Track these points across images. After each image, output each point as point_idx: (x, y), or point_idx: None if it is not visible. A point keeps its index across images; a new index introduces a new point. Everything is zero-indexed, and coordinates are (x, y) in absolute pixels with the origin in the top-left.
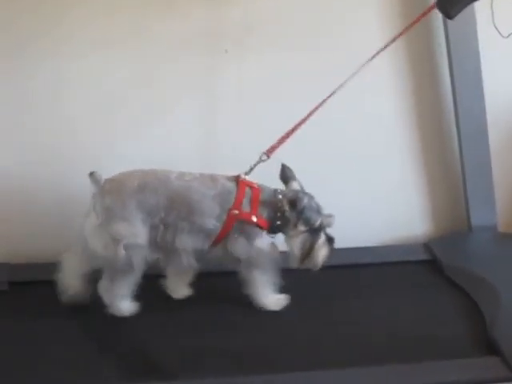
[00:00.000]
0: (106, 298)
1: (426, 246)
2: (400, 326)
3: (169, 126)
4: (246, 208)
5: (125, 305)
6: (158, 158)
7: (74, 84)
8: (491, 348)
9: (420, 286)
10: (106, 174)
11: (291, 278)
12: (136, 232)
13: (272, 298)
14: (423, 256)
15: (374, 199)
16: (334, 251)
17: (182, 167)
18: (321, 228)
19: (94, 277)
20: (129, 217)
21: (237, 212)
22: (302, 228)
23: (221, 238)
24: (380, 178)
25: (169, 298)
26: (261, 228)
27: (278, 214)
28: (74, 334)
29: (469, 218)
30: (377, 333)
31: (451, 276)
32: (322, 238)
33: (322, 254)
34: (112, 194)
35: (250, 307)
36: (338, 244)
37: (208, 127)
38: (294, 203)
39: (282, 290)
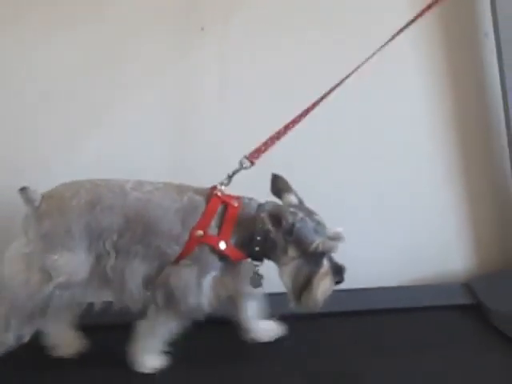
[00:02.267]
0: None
1: (467, 286)
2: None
3: (130, 119)
4: (213, 230)
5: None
6: (107, 165)
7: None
8: None
9: (460, 338)
10: (43, 186)
11: (298, 324)
12: (77, 266)
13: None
14: (463, 299)
15: (401, 225)
16: (340, 285)
17: (148, 173)
18: (321, 253)
19: None
20: (72, 246)
21: (201, 233)
22: (293, 253)
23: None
24: (413, 203)
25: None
26: (229, 259)
27: (258, 238)
28: None
29: None
30: None
31: (498, 324)
32: (324, 267)
33: (322, 288)
34: (52, 215)
35: None
36: (352, 284)
37: (180, 122)
38: (277, 220)
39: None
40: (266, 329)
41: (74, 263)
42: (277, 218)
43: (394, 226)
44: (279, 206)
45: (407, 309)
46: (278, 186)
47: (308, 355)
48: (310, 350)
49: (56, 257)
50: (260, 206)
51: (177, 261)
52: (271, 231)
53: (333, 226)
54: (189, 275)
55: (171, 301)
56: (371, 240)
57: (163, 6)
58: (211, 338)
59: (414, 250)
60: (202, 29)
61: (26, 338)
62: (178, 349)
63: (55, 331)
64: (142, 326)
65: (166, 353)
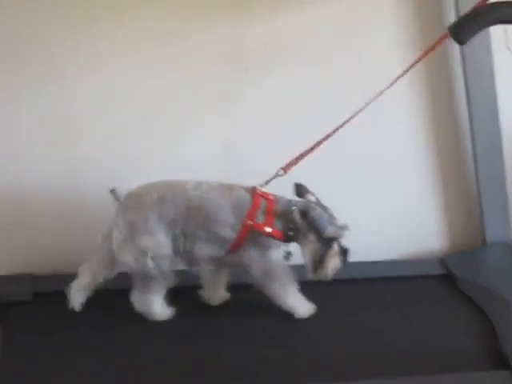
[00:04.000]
0: (141, 306)
1: (442, 261)
2: (413, 339)
3: (191, 142)
4: (260, 219)
5: (160, 309)
6: (180, 172)
7: (100, 100)
8: (502, 362)
9: (434, 300)
10: (127, 187)
11: (307, 291)
12: (160, 243)
13: (301, 306)
14: (438, 271)
15: (392, 215)
16: (347, 263)
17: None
18: (333, 239)
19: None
20: (151, 229)
21: (251, 222)
22: (312, 238)
23: (235, 247)
24: (397, 194)
25: (206, 306)
26: (275, 238)
27: (291, 225)
28: (99, 345)
29: (484, 234)
30: (390, 346)
31: (465, 291)
32: (335, 249)
33: (332, 264)
34: (133, 208)
35: (273, 318)
36: (353, 257)
37: (229, 142)
38: (304, 213)
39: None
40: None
41: (156, 242)
42: (303, 212)
43: (386, 214)
44: (305, 202)
45: (395, 277)
46: (300, 190)
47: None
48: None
49: (142, 238)
50: (290, 201)
51: (236, 245)
52: (298, 221)
53: (340, 219)
54: (254, 255)
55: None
56: (362, 222)
57: (216, 50)
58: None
59: (401, 232)
60: (246, 69)
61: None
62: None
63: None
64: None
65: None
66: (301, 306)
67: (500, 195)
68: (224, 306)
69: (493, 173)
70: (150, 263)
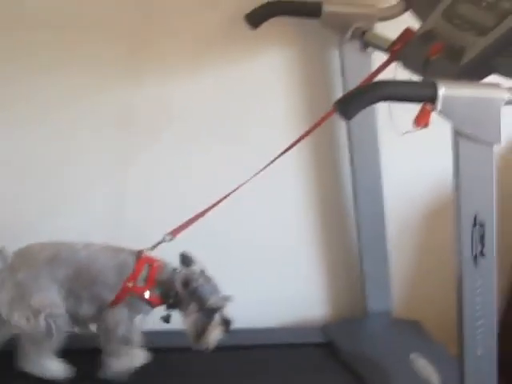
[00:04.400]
0: (33, 366)
1: (323, 329)
2: None
3: (79, 206)
4: (140, 283)
5: (54, 366)
6: (67, 236)
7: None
8: None
9: (314, 369)
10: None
11: (188, 356)
12: (54, 302)
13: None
14: (320, 339)
15: (274, 281)
16: (228, 333)
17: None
18: (215, 309)
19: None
20: (44, 288)
21: (131, 284)
22: (193, 308)
23: (111, 308)
24: (280, 261)
25: None
26: (151, 304)
27: (171, 293)
28: None
29: (365, 303)
30: None
31: (346, 360)
32: (216, 320)
33: (213, 335)
34: (23, 268)
35: None
36: (235, 324)
37: (117, 206)
38: (186, 283)
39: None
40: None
41: (49, 301)
42: (185, 281)
43: (269, 281)
44: (187, 273)
45: (276, 345)
46: (185, 260)
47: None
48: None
49: (34, 297)
50: (175, 269)
51: (112, 304)
52: (179, 290)
53: (224, 289)
54: (121, 315)
55: (108, 336)
56: (244, 289)
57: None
58: None
59: (283, 298)
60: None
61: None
62: None
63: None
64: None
65: None
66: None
67: (382, 267)
68: None
69: (375, 243)
70: (43, 323)
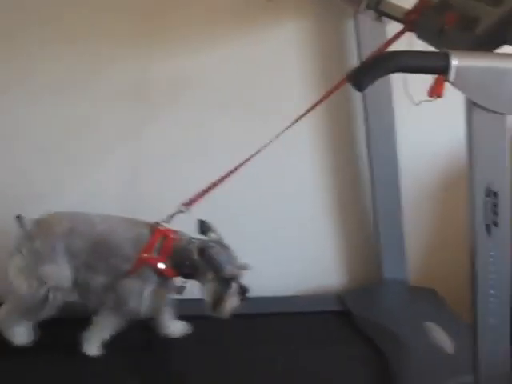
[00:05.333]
0: (7, 330)
1: (340, 297)
2: (307, 374)
3: (97, 177)
4: (155, 254)
5: (23, 332)
6: (81, 203)
7: (3, 131)
8: None
9: (331, 337)
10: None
11: (205, 324)
12: (63, 275)
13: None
14: (336, 307)
15: (291, 251)
16: (245, 301)
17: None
18: (232, 278)
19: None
20: (56, 260)
21: (145, 255)
22: (210, 276)
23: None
24: (296, 230)
25: None
26: (166, 275)
27: (187, 263)
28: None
29: (381, 271)
30: (281, 381)
31: (362, 327)
32: (233, 288)
33: (230, 304)
34: (40, 237)
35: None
36: (252, 293)
37: (132, 178)
38: (202, 251)
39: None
40: (177, 327)
41: (58, 274)
42: (201, 250)
43: (285, 249)
44: (204, 241)
45: (292, 313)
46: (203, 227)
47: (211, 347)
48: (212, 343)
49: (45, 267)
50: (190, 239)
51: (127, 275)
52: (196, 259)
53: (241, 258)
54: (133, 285)
55: (118, 303)
56: (261, 258)
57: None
58: (135, 333)
59: (300, 268)
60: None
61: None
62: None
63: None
64: (94, 321)
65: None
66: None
67: (397, 233)
68: None
69: (390, 211)
70: (44, 293)
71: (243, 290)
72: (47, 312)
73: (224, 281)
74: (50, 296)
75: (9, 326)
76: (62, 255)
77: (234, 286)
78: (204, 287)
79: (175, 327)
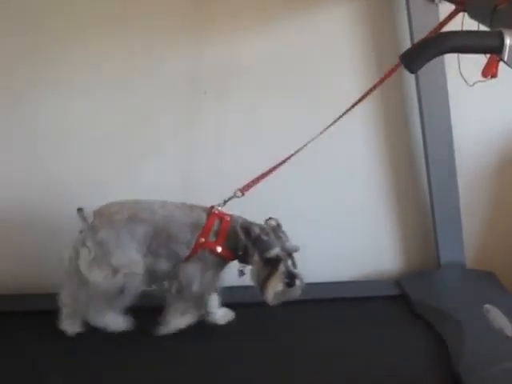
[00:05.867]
0: (100, 320)
1: (397, 282)
2: (368, 360)
3: (153, 165)
4: (212, 238)
5: (119, 320)
6: (142, 192)
7: (65, 123)
8: (455, 382)
9: (390, 322)
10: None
11: (260, 311)
12: (134, 260)
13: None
14: (394, 292)
15: (349, 237)
16: (294, 289)
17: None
18: (278, 260)
19: None
20: (124, 246)
21: (203, 240)
22: (256, 258)
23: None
24: (352, 216)
25: None
26: (224, 258)
27: (240, 245)
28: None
29: (438, 255)
30: (344, 368)
31: (420, 312)
32: (278, 271)
33: (273, 288)
34: (104, 227)
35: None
36: (310, 279)
37: (188, 167)
38: (247, 232)
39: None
40: (222, 314)
41: (130, 259)
42: (246, 229)
43: (343, 235)
44: (246, 221)
45: (350, 298)
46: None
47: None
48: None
49: (115, 255)
50: (245, 221)
51: (186, 260)
52: (243, 240)
53: (294, 240)
54: (194, 270)
55: (180, 289)
56: (319, 243)
57: (177, 75)
58: None
59: (358, 254)
60: (205, 92)
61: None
62: None
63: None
64: (168, 311)
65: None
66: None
67: (454, 217)
68: None
69: (447, 196)
70: (120, 281)
71: (291, 275)
72: (127, 299)
73: (269, 263)
74: (126, 282)
75: (98, 316)
76: (128, 241)
77: (279, 269)
78: (251, 269)
79: (220, 314)
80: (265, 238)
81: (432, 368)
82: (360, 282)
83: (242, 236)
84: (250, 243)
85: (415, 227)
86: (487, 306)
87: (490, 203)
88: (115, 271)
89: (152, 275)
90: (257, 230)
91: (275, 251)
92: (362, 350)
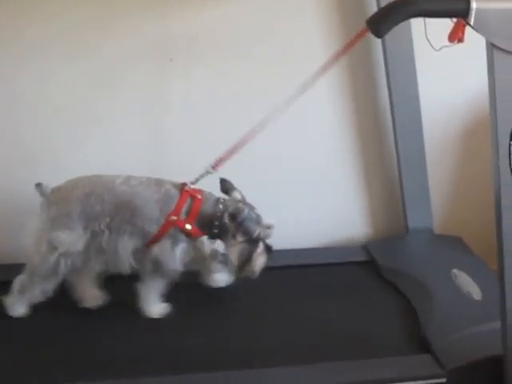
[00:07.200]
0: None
1: (365, 247)
2: (335, 325)
3: (116, 135)
4: (183, 216)
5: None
6: (104, 165)
7: (18, 88)
8: (424, 346)
9: (357, 287)
10: (54, 180)
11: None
12: (75, 240)
13: (156, 307)
14: (361, 257)
15: (317, 203)
16: (271, 259)
17: (135, 170)
18: (259, 238)
19: None
20: (70, 226)
21: (174, 218)
22: (240, 239)
23: (154, 242)
24: (319, 182)
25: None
26: (193, 236)
27: (216, 223)
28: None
29: (406, 220)
30: (311, 332)
31: (387, 277)
32: (261, 248)
33: (259, 263)
34: (57, 203)
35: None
36: (277, 245)
37: (155, 136)
38: (234, 216)
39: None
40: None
41: (72, 238)
42: (233, 214)
43: (309, 202)
44: (235, 203)
45: (318, 264)
46: (226, 186)
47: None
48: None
49: (59, 233)
50: (217, 200)
51: (156, 238)
52: (226, 222)
53: (267, 218)
54: (165, 247)
55: (156, 266)
56: (290, 214)
57: (140, 43)
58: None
59: (324, 220)
60: (171, 59)
61: (50, 293)
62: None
63: (80, 287)
64: (140, 287)
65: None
66: (155, 307)
67: (421, 182)
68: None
69: (414, 160)
70: (53, 259)
71: (269, 249)
72: (56, 279)
73: (252, 242)
74: (60, 262)
75: (29, 289)
76: (76, 220)
77: (261, 245)
78: (232, 249)
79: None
80: (249, 221)
81: (401, 333)
82: (328, 248)
83: (227, 221)
84: (235, 226)
85: (383, 193)
86: (455, 270)
87: (457, 169)
88: (51, 249)
89: (116, 253)
90: (243, 215)
91: (259, 232)
92: (330, 315)
